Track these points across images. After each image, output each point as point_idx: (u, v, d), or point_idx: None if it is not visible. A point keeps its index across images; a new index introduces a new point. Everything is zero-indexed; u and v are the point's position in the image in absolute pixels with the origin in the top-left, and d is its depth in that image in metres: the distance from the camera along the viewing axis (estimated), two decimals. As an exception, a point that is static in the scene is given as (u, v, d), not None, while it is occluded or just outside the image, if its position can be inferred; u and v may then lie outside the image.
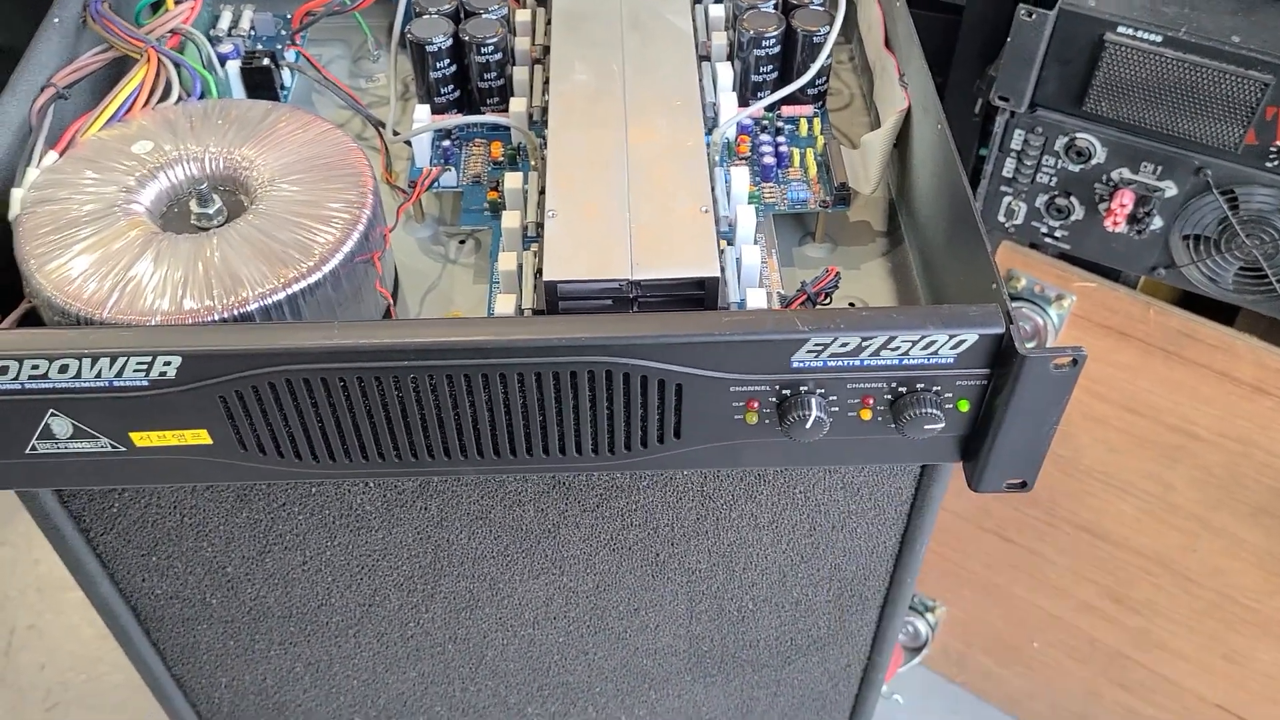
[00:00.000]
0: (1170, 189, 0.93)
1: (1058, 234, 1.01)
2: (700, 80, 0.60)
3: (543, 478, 0.59)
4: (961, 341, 0.47)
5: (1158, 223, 0.96)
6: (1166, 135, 0.91)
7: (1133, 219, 0.96)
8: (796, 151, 0.63)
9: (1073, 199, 0.99)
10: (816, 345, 0.46)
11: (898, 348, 0.47)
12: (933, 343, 0.47)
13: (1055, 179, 0.98)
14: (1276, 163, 0.88)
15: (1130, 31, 0.87)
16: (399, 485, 0.58)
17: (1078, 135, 0.94)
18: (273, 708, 0.76)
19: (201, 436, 0.49)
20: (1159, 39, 0.86)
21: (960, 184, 0.53)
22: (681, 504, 0.62)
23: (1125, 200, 0.95)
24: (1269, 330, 1.05)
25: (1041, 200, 1.00)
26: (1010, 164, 0.99)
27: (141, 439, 0.49)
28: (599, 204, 0.52)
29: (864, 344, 0.46)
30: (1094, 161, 0.95)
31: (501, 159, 0.63)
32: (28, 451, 0.50)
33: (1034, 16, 0.88)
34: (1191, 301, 1.08)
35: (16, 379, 0.46)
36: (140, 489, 0.57)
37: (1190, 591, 1.22)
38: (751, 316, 0.47)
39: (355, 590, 0.65)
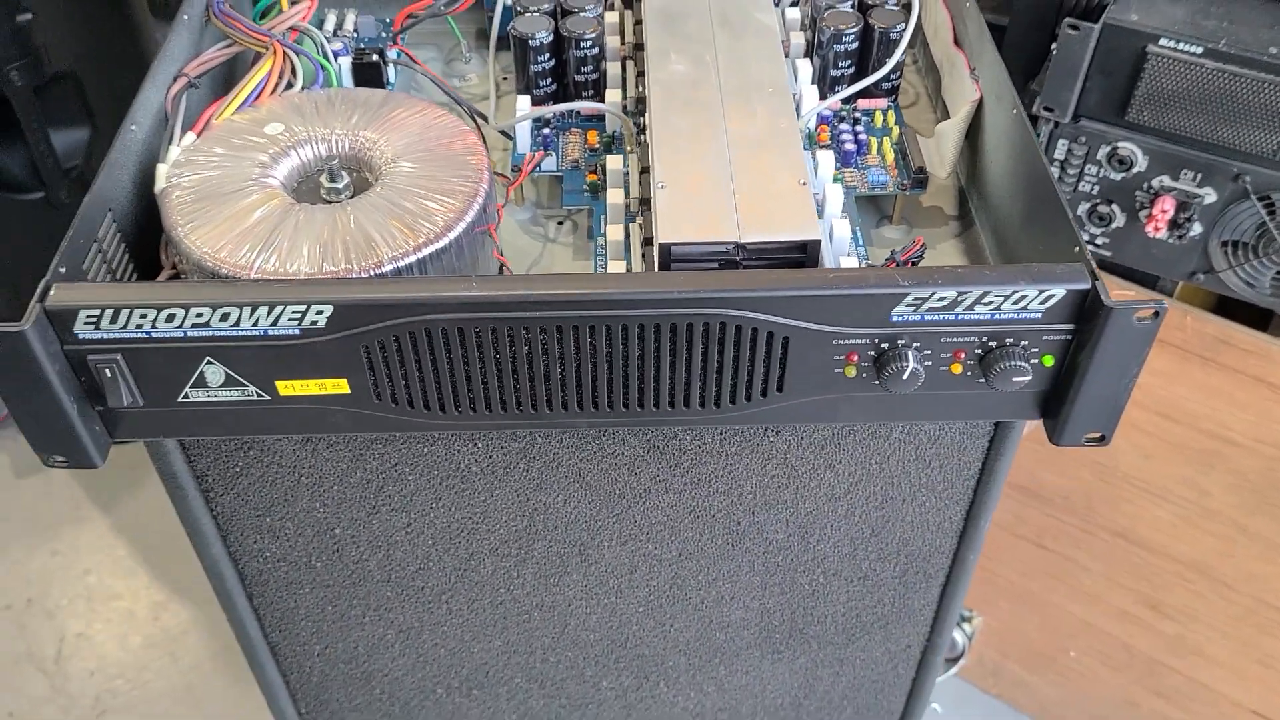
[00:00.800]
0: (1210, 195, 0.97)
1: (1099, 241, 1.05)
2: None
3: (639, 440, 0.63)
4: (1050, 296, 0.51)
5: (1197, 229, 1.00)
6: (1206, 143, 0.95)
7: (1173, 225, 1.00)
8: (874, 140, 0.67)
9: (1114, 206, 1.03)
10: (916, 299, 0.50)
11: (990, 302, 0.51)
12: (1023, 297, 0.51)
13: (1097, 187, 1.02)
14: (1313, 169, 0.92)
15: (1172, 44, 0.91)
16: (505, 446, 0.62)
17: (1120, 144, 0.98)
18: (360, 677, 0.79)
19: (341, 386, 0.53)
20: (1199, 50, 0.91)
21: (1039, 160, 0.57)
22: (766, 470, 0.66)
23: (1166, 206, 0.99)
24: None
25: (1084, 208, 1.04)
26: (1054, 173, 1.03)
27: (286, 387, 0.53)
28: (703, 177, 0.57)
29: (960, 298, 0.50)
30: (1135, 170, 0.99)
31: (598, 146, 0.67)
32: (180, 399, 0.53)
33: (1079, 30, 0.93)
34: (1227, 310, 1.11)
35: (180, 326, 0.50)
36: (265, 448, 0.61)
37: (1226, 597, 1.24)
38: (856, 272, 0.51)
39: (452, 554, 0.69)
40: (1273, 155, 0.93)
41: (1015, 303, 0.51)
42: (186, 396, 0.53)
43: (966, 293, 0.50)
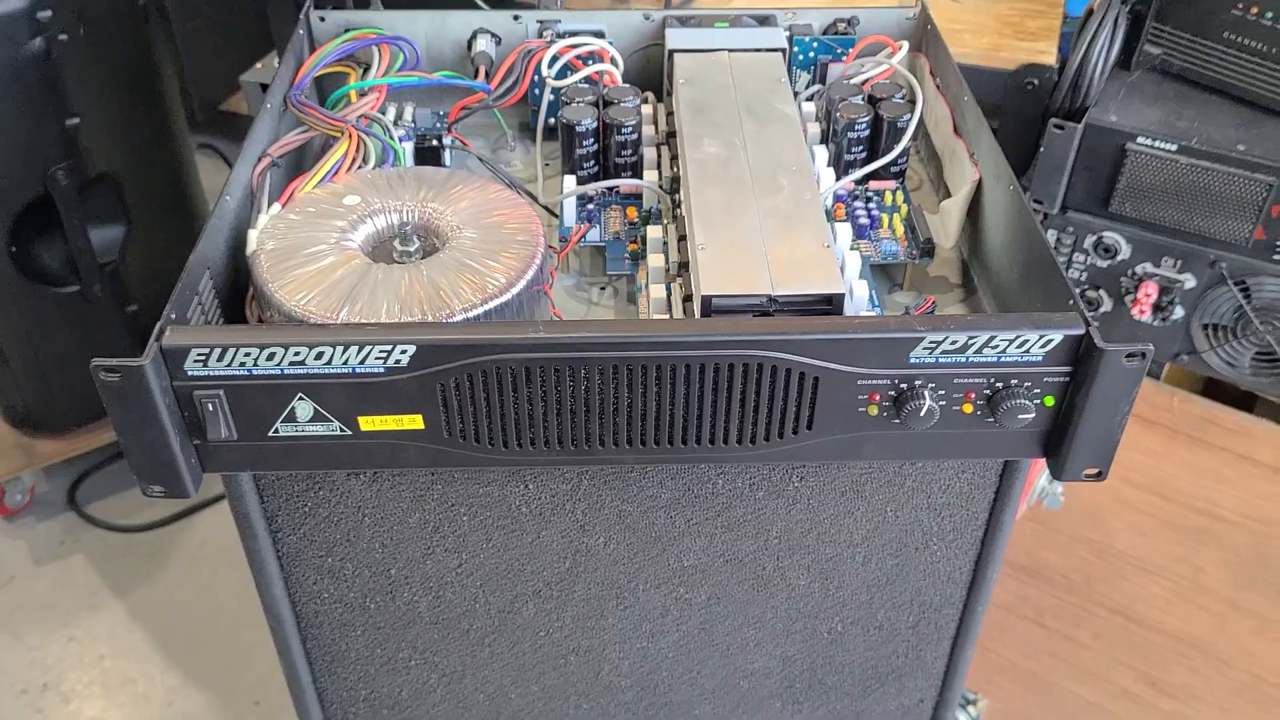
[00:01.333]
0: (1189, 281, 1.05)
1: (1088, 324, 1.12)
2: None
3: (677, 484, 0.68)
4: (1049, 340, 0.57)
5: (1179, 312, 1.08)
6: (1184, 232, 1.03)
7: (1157, 308, 1.08)
8: (885, 216, 0.75)
9: (1102, 292, 1.11)
10: (931, 343, 0.57)
11: (997, 346, 0.57)
12: (1025, 341, 0.57)
13: (1085, 274, 1.10)
14: (1282, 255, 1.00)
15: (1149, 141, 1.00)
16: (553, 487, 0.68)
17: (1105, 234, 1.07)
18: (401, 724, 0.83)
19: (416, 421, 0.59)
20: (1174, 147, 1.00)
21: (1034, 227, 0.64)
22: (791, 514, 0.71)
23: (1150, 290, 1.07)
24: (1284, 418, 1.15)
25: (1073, 293, 1.11)
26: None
27: (367, 423, 0.59)
28: (738, 240, 0.64)
29: (970, 341, 0.57)
30: (1120, 257, 1.07)
31: (636, 220, 0.75)
32: (270, 434, 0.59)
33: (1064, 130, 1.02)
34: (1215, 393, 1.18)
35: (279, 364, 0.56)
36: (334, 487, 0.67)
37: (1223, 673, 1.28)
38: (877, 319, 0.58)
39: (499, 595, 0.74)
40: (1245, 243, 1.01)
41: (1019, 346, 0.57)
42: (276, 431, 0.59)
43: (975, 337, 0.57)
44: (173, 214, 1.72)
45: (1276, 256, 1.00)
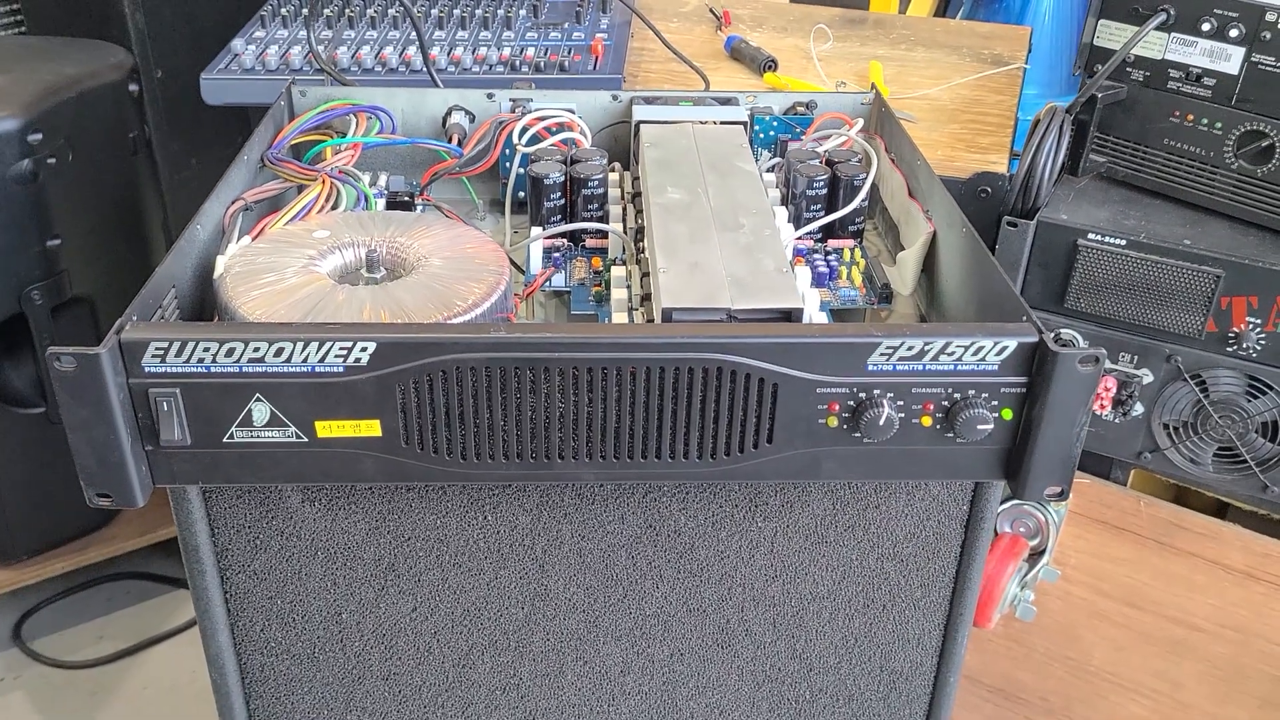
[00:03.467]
0: (1147, 375, 1.07)
1: (1051, 423, 1.13)
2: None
3: (637, 519, 0.67)
4: (1004, 348, 0.58)
5: (1139, 408, 1.09)
6: (1139, 326, 1.06)
7: (1117, 403, 1.09)
8: (844, 269, 0.76)
9: (1062, 389, 1.12)
10: (887, 348, 0.58)
11: (952, 353, 0.58)
12: (980, 348, 0.58)
13: (1046, 371, 1.12)
14: (1235, 347, 1.02)
15: (1099, 237, 1.04)
16: (513, 520, 0.67)
17: (1062, 330, 1.08)
18: (347, 801, 0.78)
19: (374, 428, 0.59)
20: (1124, 242, 1.03)
21: (987, 257, 0.66)
22: (754, 559, 0.70)
23: (1109, 385, 1.08)
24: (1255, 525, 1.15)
25: (1035, 391, 1.12)
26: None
27: (324, 428, 0.58)
28: (699, 264, 0.65)
29: (925, 348, 0.58)
30: (1078, 353, 1.09)
31: (601, 268, 0.76)
32: (224, 440, 0.58)
33: (1018, 226, 1.06)
34: (1186, 502, 1.19)
35: (238, 361, 0.56)
36: (288, 516, 0.65)
37: (1210, 798, 1.23)
38: (834, 326, 0.59)
39: (453, 646, 0.71)
40: (1198, 335, 1.03)
41: (974, 354, 0.58)
42: (231, 436, 0.58)
43: (931, 343, 0.58)
44: (145, 340, 1.73)
45: (1229, 348, 1.03)
